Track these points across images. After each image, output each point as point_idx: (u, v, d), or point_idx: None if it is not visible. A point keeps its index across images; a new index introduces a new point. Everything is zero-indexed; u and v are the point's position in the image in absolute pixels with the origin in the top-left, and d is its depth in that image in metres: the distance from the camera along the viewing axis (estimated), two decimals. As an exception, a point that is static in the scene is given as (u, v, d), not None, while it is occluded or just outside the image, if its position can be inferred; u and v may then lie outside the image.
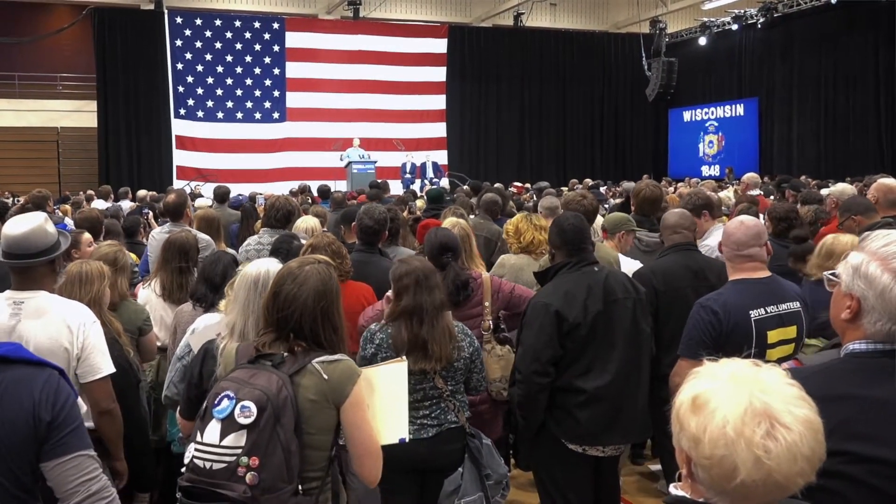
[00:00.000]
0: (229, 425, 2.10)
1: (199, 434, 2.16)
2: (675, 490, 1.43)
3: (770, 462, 1.25)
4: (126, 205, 11.21)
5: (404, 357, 2.69)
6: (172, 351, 3.86)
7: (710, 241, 4.71)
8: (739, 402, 1.28)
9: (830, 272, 1.78)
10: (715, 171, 23.52)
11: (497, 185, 12.89)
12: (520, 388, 3.26)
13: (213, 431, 2.12)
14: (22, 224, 2.87)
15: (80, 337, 2.90)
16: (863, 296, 1.67)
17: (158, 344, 4.17)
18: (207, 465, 2.10)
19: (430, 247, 3.79)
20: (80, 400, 2.18)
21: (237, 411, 2.10)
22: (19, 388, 2.04)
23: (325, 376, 2.22)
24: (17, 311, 2.86)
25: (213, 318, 3.30)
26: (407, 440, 2.46)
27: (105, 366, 2.97)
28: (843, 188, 6.17)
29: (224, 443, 2.09)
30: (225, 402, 2.13)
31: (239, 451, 2.08)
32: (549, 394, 3.26)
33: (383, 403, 2.43)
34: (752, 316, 3.11)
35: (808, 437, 1.27)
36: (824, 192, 6.69)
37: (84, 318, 2.96)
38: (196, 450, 2.14)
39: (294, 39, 21.46)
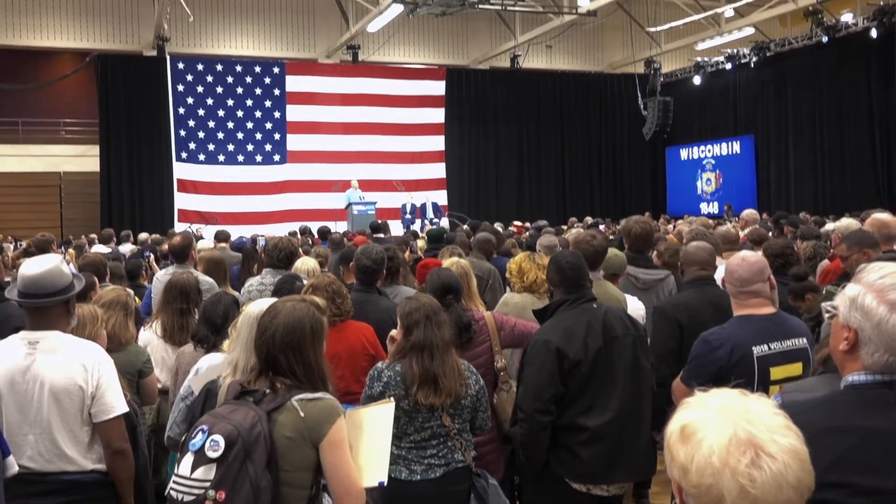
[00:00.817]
0: (200, 458, 2.13)
1: (177, 466, 2.19)
2: None
3: (755, 491, 1.27)
4: (127, 248, 11.23)
5: (391, 399, 2.69)
6: (174, 393, 3.85)
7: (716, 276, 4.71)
8: (725, 432, 1.30)
9: (829, 304, 1.81)
10: (713, 208, 23.63)
11: (496, 224, 12.94)
12: (522, 427, 3.25)
13: (186, 464, 2.15)
14: (38, 265, 2.93)
15: (94, 376, 2.93)
16: (860, 327, 1.69)
17: (159, 386, 4.16)
18: (180, 496, 2.13)
19: (432, 287, 3.79)
20: (10, 459, 2.13)
21: (207, 444, 2.13)
22: None
23: (302, 414, 2.23)
24: (33, 350, 2.89)
25: (217, 357, 3.30)
26: (385, 484, 2.41)
27: (119, 405, 2.98)
28: (849, 223, 6.10)
29: (194, 475, 2.12)
30: (198, 436, 2.16)
31: (207, 483, 2.10)
32: (552, 432, 3.25)
33: (367, 445, 2.41)
34: (754, 352, 3.10)
35: (793, 467, 1.29)
36: (829, 227, 6.67)
37: (99, 357, 2.99)
38: (173, 481, 2.17)
39: (294, 83, 21.74)
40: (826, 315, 1.82)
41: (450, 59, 24.70)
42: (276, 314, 2.37)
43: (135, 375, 3.84)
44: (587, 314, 3.33)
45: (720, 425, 1.32)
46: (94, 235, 14.20)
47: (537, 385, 3.21)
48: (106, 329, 3.54)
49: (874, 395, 1.68)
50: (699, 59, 24.25)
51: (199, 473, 2.11)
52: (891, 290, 1.67)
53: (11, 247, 12.69)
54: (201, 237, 13.04)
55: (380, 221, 12.71)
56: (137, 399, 3.79)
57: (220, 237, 8.78)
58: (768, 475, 1.27)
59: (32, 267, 2.92)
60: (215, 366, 3.22)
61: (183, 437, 2.28)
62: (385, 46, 22.89)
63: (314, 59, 23.07)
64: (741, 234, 7.03)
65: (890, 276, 1.69)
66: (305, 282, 4.23)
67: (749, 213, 9.93)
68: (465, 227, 12.40)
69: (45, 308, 2.92)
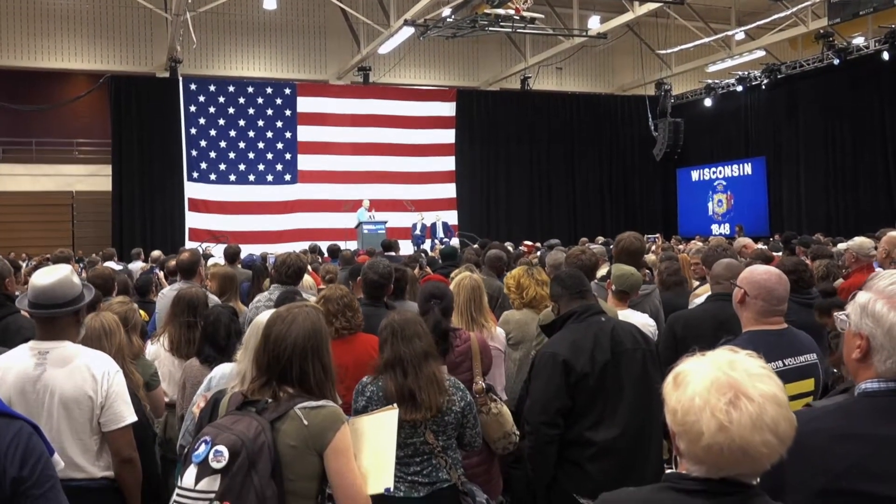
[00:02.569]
0: (203, 469, 2.11)
1: (180, 478, 2.17)
2: (674, 468, 1.59)
3: (732, 427, 1.40)
4: (137, 266, 11.29)
5: (395, 405, 2.67)
6: (181, 406, 3.84)
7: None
8: (709, 377, 1.46)
9: (841, 313, 1.79)
10: (725, 229, 23.55)
11: (506, 244, 12.92)
12: (529, 440, 3.22)
13: (190, 475, 2.13)
14: (49, 275, 2.94)
15: (104, 385, 2.94)
16: (871, 334, 1.69)
17: (166, 400, 4.14)
18: None
19: (420, 296, 3.87)
20: (56, 457, 2.12)
21: (210, 456, 2.11)
22: None
23: (306, 422, 2.21)
24: (43, 360, 2.90)
25: (229, 367, 3.30)
26: (392, 490, 2.40)
27: (128, 414, 3.00)
28: (862, 242, 6.08)
29: (198, 486, 2.10)
30: (202, 447, 2.14)
31: (212, 495, 2.08)
32: (560, 447, 3.21)
33: (371, 451, 2.39)
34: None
35: (770, 410, 1.42)
36: (842, 246, 6.64)
37: (108, 367, 3.00)
38: (176, 493, 2.15)
39: (306, 104, 21.90)
40: (838, 324, 1.79)
41: (460, 81, 24.85)
42: (294, 320, 2.35)
43: (142, 389, 3.83)
44: (595, 327, 3.30)
45: (706, 372, 1.48)
46: (100, 254, 14.24)
47: (544, 398, 3.18)
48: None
49: (887, 403, 1.67)
50: (710, 81, 24.31)
51: (203, 485, 2.09)
52: (902, 296, 1.66)
53: (24, 265, 12.75)
54: (211, 255, 13.07)
55: (390, 241, 12.73)
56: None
57: (230, 254, 8.78)
58: (745, 415, 1.41)
59: (43, 278, 2.93)
60: (228, 375, 3.22)
61: (187, 448, 2.25)
62: (396, 68, 23.06)
63: (325, 81, 23.26)
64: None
65: (901, 282, 1.68)
66: (306, 296, 4.22)
67: (741, 240, 9.75)
68: (475, 245, 12.40)
69: (56, 318, 2.93)
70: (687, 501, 1.49)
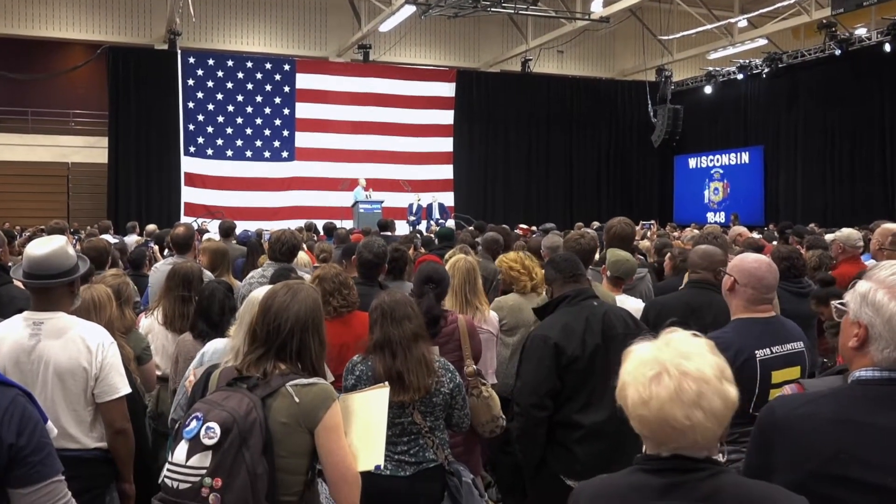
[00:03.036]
0: (195, 446, 2.12)
1: (170, 454, 2.18)
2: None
3: (652, 402, 1.51)
4: (132, 239, 11.25)
5: (386, 384, 2.68)
6: (173, 380, 3.85)
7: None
8: (643, 355, 1.57)
9: (839, 301, 1.80)
10: (720, 217, 23.56)
11: (503, 226, 12.91)
12: (518, 422, 3.25)
13: (181, 451, 2.14)
14: (44, 246, 2.93)
15: (98, 357, 2.95)
16: (870, 323, 1.70)
17: (158, 374, 4.15)
18: (175, 484, 2.12)
19: (416, 277, 3.86)
20: (50, 424, 2.15)
21: (202, 432, 2.12)
22: None
23: (297, 399, 2.22)
24: (37, 331, 2.91)
25: (222, 342, 3.32)
26: (382, 467, 2.43)
27: (122, 386, 3.02)
28: (850, 233, 6.14)
29: (190, 463, 2.11)
30: (193, 423, 2.15)
31: (203, 471, 2.09)
32: (549, 429, 3.23)
33: (361, 429, 2.40)
34: (757, 356, 3.07)
35: (692, 385, 1.50)
36: (829, 237, 6.68)
37: (102, 338, 3.01)
38: (167, 469, 2.16)
39: (305, 81, 21.76)
40: (835, 313, 1.81)
41: (461, 62, 24.72)
42: (296, 293, 2.36)
43: (133, 362, 3.83)
44: (587, 311, 3.32)
45: (641, 351, 1.58)
46: (97, 226, 14.23)
47: (534, 380, 3.20)
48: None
49: (880, 392, 1.69)
50: (711, 68, 24.23)
51: (194, 461, 2.10)
52: (903, 286, 1.67)
53: (18, 238, 12.71)
54: (206, 230, 13.05)
55: (386, 220, 12.70)
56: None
57: (224, 229, 8.76)
58: (663, 389, 1.50)
59: (38, 248, 2.93)
60: (221, 350, 3.22)
61: (177, 424, 2.26)
62: (396, 47, 22.93)
63: (325, 58, 23.12)
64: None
65: (902, 273, 1.69)
66: (301, 274, 4.21)
67: (736, 229, 9.76)
68: (471, 227, 12.39)
69: (50, 289, 2.93)
70: (653, 481, 1.55)
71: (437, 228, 12.45)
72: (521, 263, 4.68)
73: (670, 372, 1.51)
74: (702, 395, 1.49)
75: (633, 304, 4.34)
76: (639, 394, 1.52)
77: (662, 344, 1.57)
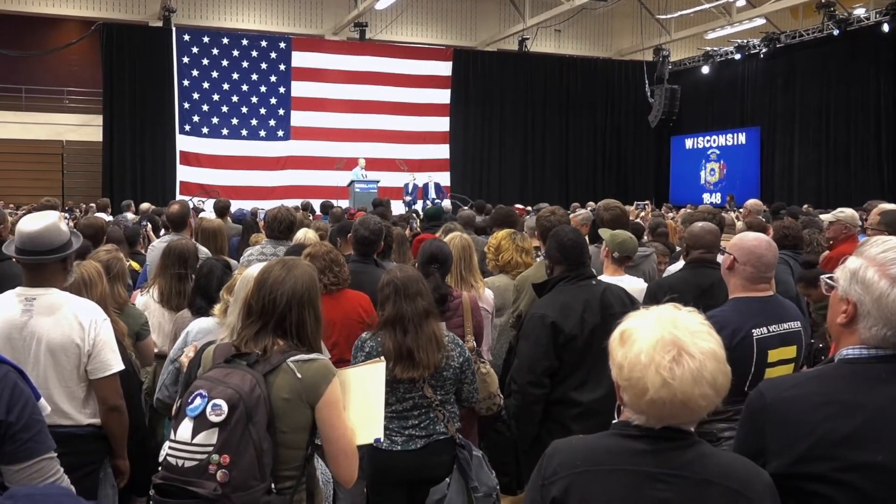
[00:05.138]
0: (201, 423, 2.11)
1: (172, 432, 2.17)
2: (617, 419, 1.68)
3: (674, 383, 1.50)
4: (127, 217, 11.20)
5: (383, 358, 2.69)
6: (173, 357, 3.85)
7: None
8: (654, 335, 1.55)
9: (828, 276, 1.80)
10: (716, 198, 23.58)
11: (499, 206, 12.88)
12: (515, 399, 3.26)
13: (185, 429, 2.13)
14: (36, 221, 2.90)
15: (91, 333, 2.93)
16: (859, 301, 1.68)
17: (156, 350, 4.16)
18: (180, 462, 2.11)
19: (420, 256, 3.85)
20: (42, 401, 2.14)
21: (209, 409, 2.11)
22: None
23: (299, 375, 2.22)
24: (30, 307, 2.89)
25: (207, 321, 3.31)
26: (382, 440, 2.44)
27: (115, 363, 3.00)
28: (852, 213, 6.02)
29: (195, 440, 2.10)
30: (197, 401, 2.14)
31: (210, 448, 2.09)
32: (545, 406, 3.25)
33: (359, 403, 2.42)
34: (754, 334, 3.08)
35: (709, 366, 1.51)
36: (825, 217, 6.61)
37: (95, 314, 2.99)
38: (170, 447, 2.15)
39: (300, 59, 21.60)
40: (824, 287, 1.80)
41: (457, 41, 24.55)
42: (292, 268, 2.36)
43: (133, 337, 3.84)
44: (586, 291, 3.32)
45: (651, 330, 1.56)
46: (93, 205, 14.19)
47: (531, 358, 3.21)
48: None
49: (867, 370, 1.67)
50: (708, 48, 24.11)
51: (200, 438, 2.10)
52: (892, 264, 1.66)
53: (11, 216, 12.65)
54: (202, 209, 13.02)
55: (382, 199, 12.66)
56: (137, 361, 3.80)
57: (220, 207, 8.74)
58: (687, 370, 1.50)
59: (30, 224, 2.90)
60: (206, 329, 3.22)
61: (178, 402, 2.25)
62: (393, 25, 22.75)
63: (321, 36, 22.94)
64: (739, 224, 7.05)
65: (892, 250, 1.68)
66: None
67: (753, 202, 9.89)
68: (466, 209, 12.36)
69: (42, 265, 2.90)
70: (629, 445, 1.59)
71: (427, 208, 12.40)
72: (497, 242, 4.67)
73: (691, 353, 1.52)
74: (715, 374, 1.52)
75: (631, 284, 4.31)
76: (661, 377, 1.50)
77: (670, 323, 1.56)
